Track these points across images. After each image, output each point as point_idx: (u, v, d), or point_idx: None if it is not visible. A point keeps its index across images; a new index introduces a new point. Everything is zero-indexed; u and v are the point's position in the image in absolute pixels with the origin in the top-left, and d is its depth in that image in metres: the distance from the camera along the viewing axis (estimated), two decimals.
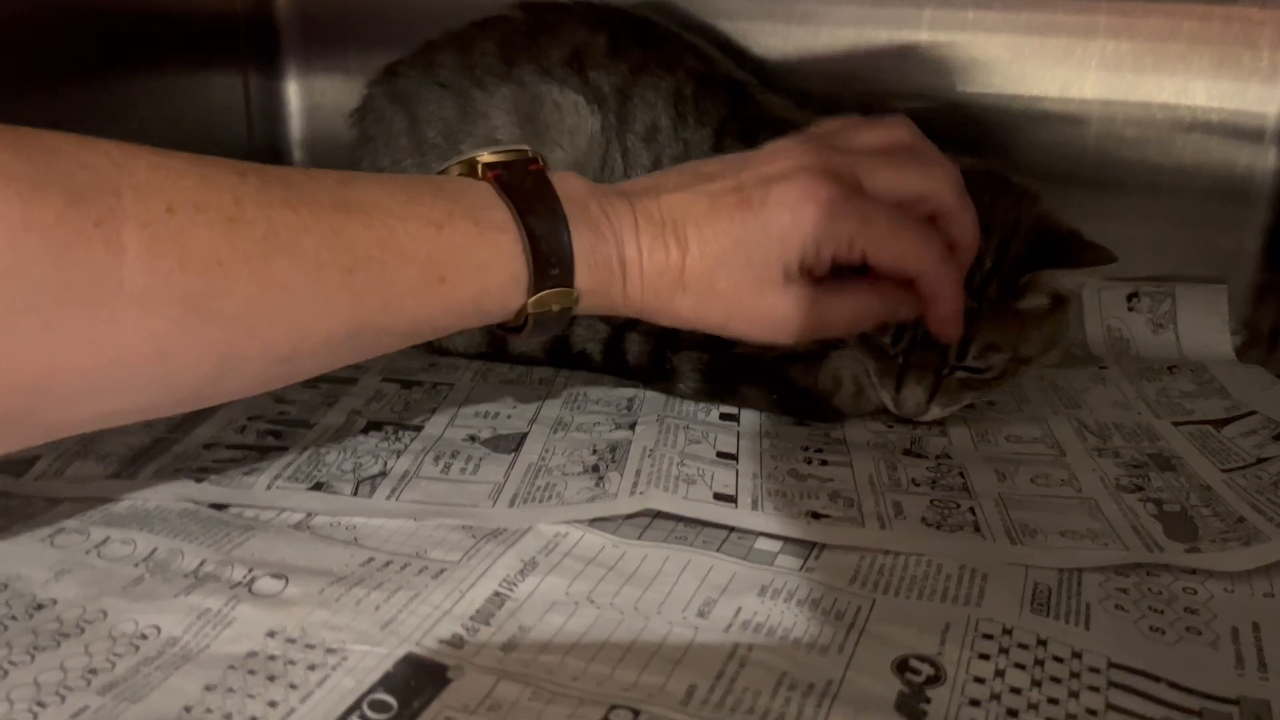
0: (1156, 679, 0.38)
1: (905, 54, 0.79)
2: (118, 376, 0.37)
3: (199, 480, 0.53)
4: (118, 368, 0.37)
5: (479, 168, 0.47)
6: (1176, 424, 0.63)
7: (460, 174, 0.47)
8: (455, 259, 0.43)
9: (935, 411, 0.60)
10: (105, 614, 0.42)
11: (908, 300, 0.52)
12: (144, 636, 0.40)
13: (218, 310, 0.38)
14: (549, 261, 0.45)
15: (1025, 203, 0.61)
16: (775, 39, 0.81)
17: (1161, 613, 0.43)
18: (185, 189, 0.38)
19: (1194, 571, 0.46)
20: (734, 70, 0.73)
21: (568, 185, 0.47)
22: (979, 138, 0.78)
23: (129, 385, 0.38)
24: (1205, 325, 0.75)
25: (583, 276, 0.46)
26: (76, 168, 0.36)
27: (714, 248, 0.47)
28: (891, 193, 0.50)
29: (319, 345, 0.42)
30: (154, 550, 0.46)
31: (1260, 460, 0.56)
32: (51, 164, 0.35)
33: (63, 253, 0.35)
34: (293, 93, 0.96)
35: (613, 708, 0.36)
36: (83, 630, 0.41)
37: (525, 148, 0.47)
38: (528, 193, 0.45)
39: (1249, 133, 0.75)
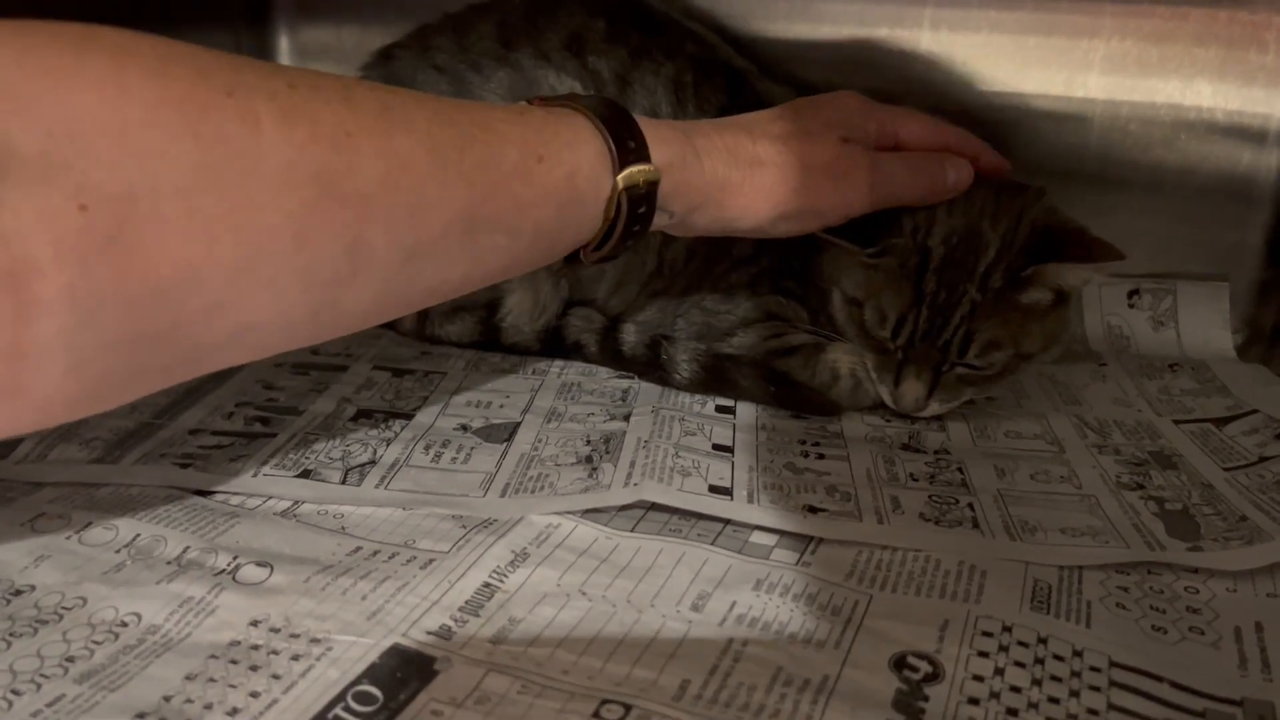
0: (1159, 679, 0.38)
1: (907, 50, 0.78)
2: (258, 270, 0.36)
3: (184, 466, 0.52)
4: (258, 258, 0.36)
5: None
6: (1177, 422, 0.62)
7: None
8: (545, 138, 0.44)
9: (934, 407, 0.60)
10: (85, 601, 0.41)
11: (948, 161, 0.58)
12: (124, 624, 0.40)
13: (348, 190, 0.37)
14: (624, 135, 0.46)
15: (1032, 196, 0.60)
16: (776, 30, 0.80)
17: (1163, 612, 0.42)
18: (297, 73, 0.37)
19: (1196, 570, 0.45)
20: (734, 58, 0.72)
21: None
22: (982, 134, 0.77)
23: (269, 281, 0.37)
24: (1206, 323, 0.74)
25: (658, 151, 0.47)
26: (194, 51, 0.35)
27: (776, 129, 0.53)
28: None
29: (438, 234, 0.41)
30: (136, 536, 0.45)
31: (1263, 459, 0.56)
32: (171, 48, 0.34)
33: (201, 126, 0.34)
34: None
35: (604, 702, 0.36)
36: (61, 617, 0.40)
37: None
38: (585, 99, 0.48)
39: (1252, 133, 0.74)
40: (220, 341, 0.38)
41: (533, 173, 0.43)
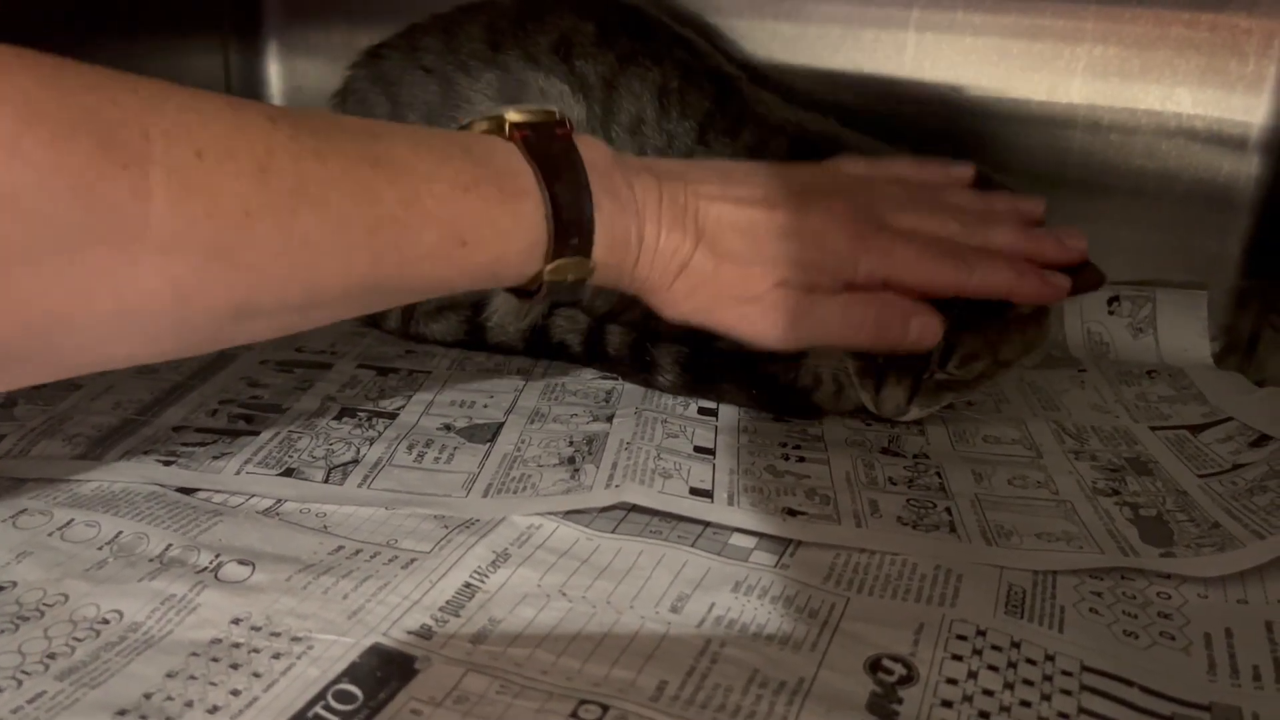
0: (1129, 683, 0.38)
1: (893, 54, 0.78)
2: (135, 321, 0.37)
3: (167, 463, 0.52)
4: (136, 312, 0.36)
5: (506, 126, 0.46)
6: (1154, 428, 0.63)
7: (486, 130, 0.47)
8: (477, 224, 0.43)
9: (915, 412, 0.60)
10: (66, 597, 0.41)
11: (912, 311, 0.52)
12: (105, 621, 0.40)
13: (239, 260, 0.37)
14: (570, 231, 0.45)
15: None
16: (763, 34, 0.80)
17: (1135, 617, 0.43)
18: (216, 134, 0.37)
19: (1168, 576, 0.46)
20: (723, 64, 0.72)
21: (593, 152, 0.47)
22: (965, 138, 0.78)
23: (144, 330, 0.37)
24: (1185, 331, 0.75)
25: (601, 250, 0.46)
26: (107, 105, 0.35)
27: (728, 245, 0.49)
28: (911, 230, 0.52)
29: (334, 299, 0.41)
30: (119, 533, 0.45)
31: (1236, 466, 0.56)
32: (81, 104, 0.34)
33: (90, 195, 0.34)
34: (274, 73, 0.95)
35: (582, 702, 0.36)
36: (42, 614, 0.40)
37: (553, 109, 0.47)
38: (554, 158, 0.45)
39: (1233, 140, 0.75)
40: (91, 362, 0.39)
41: (451, 255, 0.43)
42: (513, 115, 0.46)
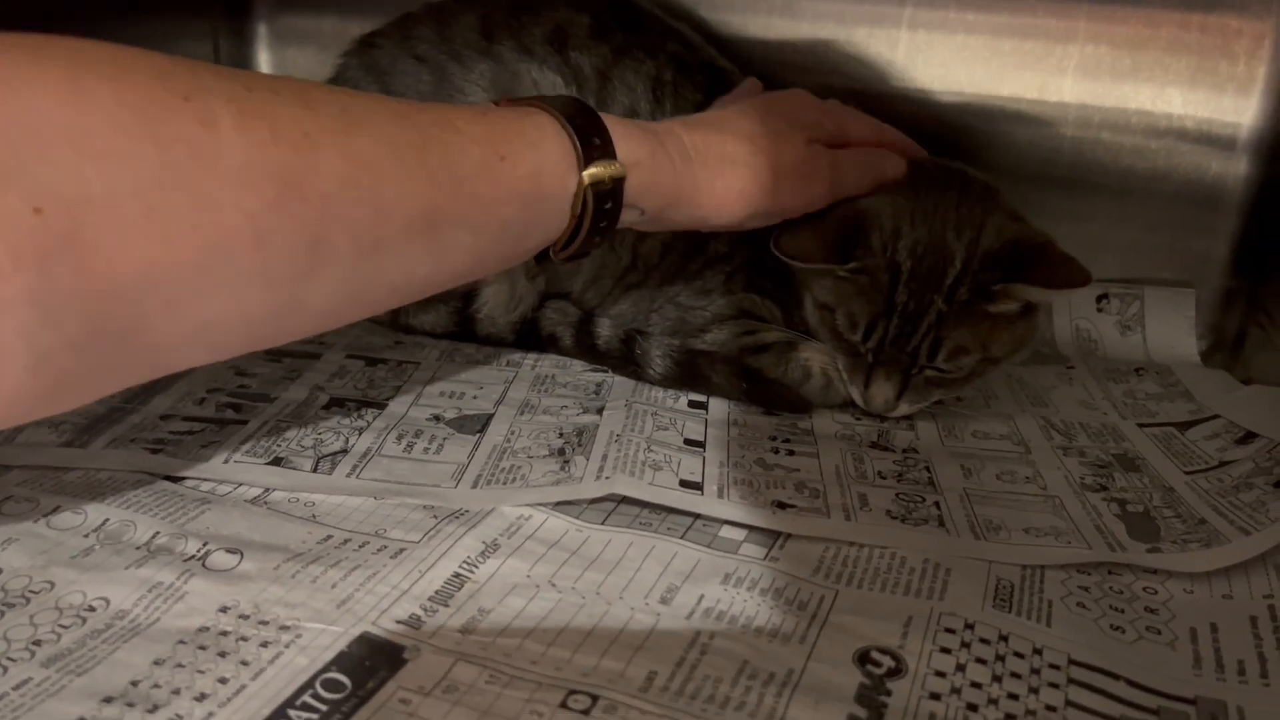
0: (1115, 677, 0.39)
1: (885, 50, 0.78)
2: (218, 268, 0.36)
3: (155, 451, 0.52)
4: (218, 256, 0.36)
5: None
6: (1141, 425, 0.63)
7: None
8: (508, 136, 0.45)
9: (903, 408, 0.60)
10: (52, 585, 0.41)
11: (887, 158, 0.62)
12: (92, 608, 0.39)
13: (309, 188, 0.37)
14: (589, 133, 0.47)
15: (988, 199, 0.61)
16: (756, 28, 0.80)
17: (1122, 611, 0.43)
18: (251, 75, 0.38)
19: (1155, 572, 0.46)
20: (716, 58, 0.72)
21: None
22: (956, 135, 0.78)
23: (229, 280, 0.37)
24: (1172, 329, 0.75)
25: (625, 149, 0.48)
26: (148, 55, 0.35)
27: (746, 127, 0.54)
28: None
29: (400, 232, 0.41)
30: (105, 521, 0.45)
31: (1223, 464, 0.57)
32: (126, 53, 0.35)
33: (159, 128, 0.34)
34: (263, 62, 0.94)
35: (571, 693, 0.36)
36: (28, 600, 0.40)
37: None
38: (547, 97, 0.49)
39: (1222, 141, 0.75)
40: (180, 340, 0.38)
41: (496, 171, 0.44)
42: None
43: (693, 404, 0.63)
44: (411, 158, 0.41)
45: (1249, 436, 0.59)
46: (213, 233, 0.35)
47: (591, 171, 0.46)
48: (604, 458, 0.53)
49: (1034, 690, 0.38)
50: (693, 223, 0.54)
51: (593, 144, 0.47)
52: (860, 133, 0.63)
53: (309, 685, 0.36)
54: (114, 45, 0.35)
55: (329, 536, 0.46)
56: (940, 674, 0.38)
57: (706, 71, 0.69)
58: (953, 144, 0.75)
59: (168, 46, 0.87)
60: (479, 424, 0.58)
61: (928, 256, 0.57)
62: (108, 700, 0.34)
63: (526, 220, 0.46)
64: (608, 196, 0.48)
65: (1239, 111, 0.74)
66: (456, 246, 0.44)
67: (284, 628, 0.39)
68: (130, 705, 0.34)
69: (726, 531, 0.48)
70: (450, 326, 0.71)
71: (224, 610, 0.40)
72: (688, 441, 0.57)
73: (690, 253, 0.67)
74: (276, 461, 0.52)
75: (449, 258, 0.45)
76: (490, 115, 0.45)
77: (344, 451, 0.54)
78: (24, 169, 0.31)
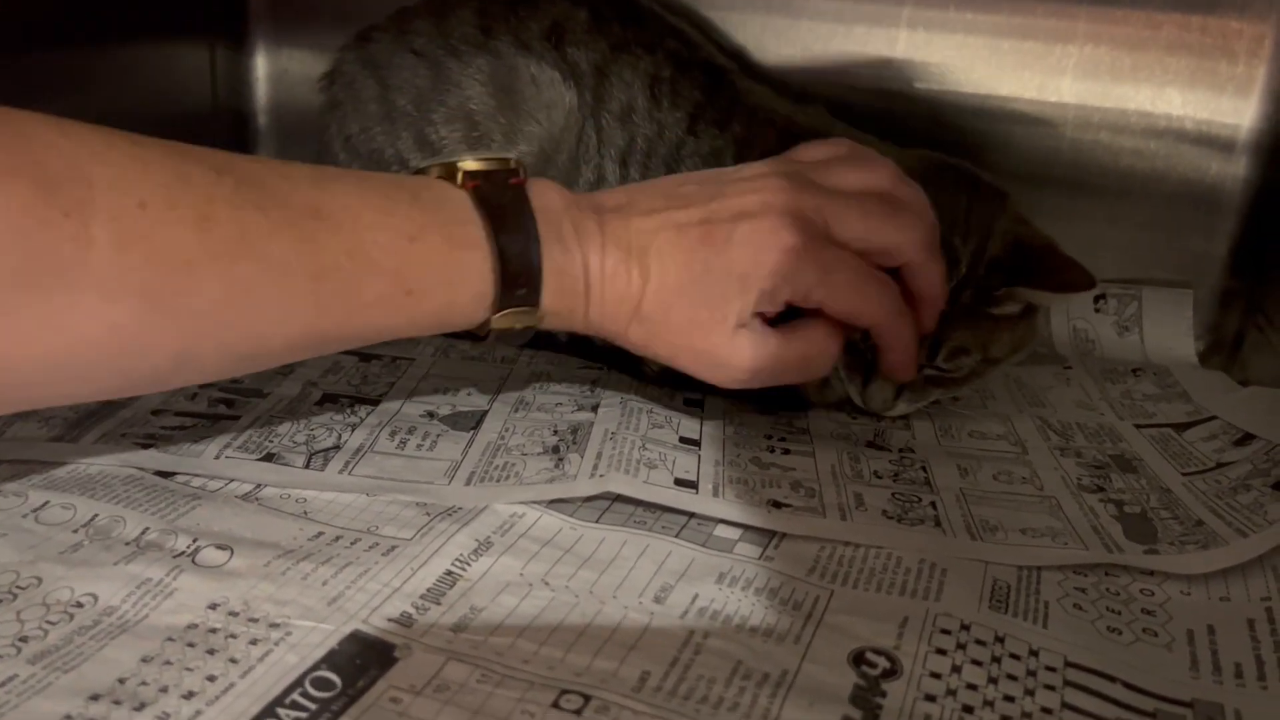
0: (1112, 679, 0.38)
1: (884, 49, 0.78)
2: (74, 364, 0.37)
3: (145, 446, 0.52)
4: (75, 356, 0.37)
5: (460, 175, 0.46)
6: (1139, 426, 0.63)
7: (439, 176, 0.46)
8: (423, 273, 0.43)
9: (901, 407, 0.60)
10: (40, 580, 0.40)
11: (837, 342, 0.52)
12: (80, 605, 0.39)
13: (180, 308, 0.38)
14: (517, 282, 0.45)
15: (997, 203, 0.60)
16: (754, 25, 0.80)
17: (1119, 613, 0.43)
18: (159, 184, 0.37)
19: (1152, 573, 0.46)
20: (715, 55, 0.72)
21: (545, 199, 0.46)
22: (955, 134, 0.78)
23: (84, 374, 0.38)
24: (1170, 329, 0.75)
25: (548, 298, 0.46)
26: (48, 154, 0.35)
27: (673, 281, 0.47)
28: (859, 242, 0.49)
29: (278, 348, 0.42)
30: (94, 516, 0.45)
31: (1220, 465, 0.56)
32: (22, 150, 0.35)
33: (28, 240, 0.34)
34: (260, 57, 0.94)
35: (563, 692, 0.36)
36: (15, 596, 0.39)
37: (510, 156, 0.47)
38: (504, 209, 0.45)
39: (1221, 142, 0.75)
40: (29, 401, 0.40)
41: (398, 303, 0.43)
42: (467, 164, 0.46)
43: (688, 402, 0.62)
44: (300, 287, 0.40)
45: (1247, 438, 0.59)
46: (72, 338, 0.36)
47: (501, 316, 0.46)
48: (599, 455, 0.53)
49: (1030, 692, 0.37)
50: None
51: (514, 295, 0.45)
52: (842, 311, 0.50)
53: (298, 683, 0.35)
54: (16, 131, 0.35)
55: (320, 533, 0.45)
56: (936, 675, 0.38)
57: (705, 69, 0.69)
58: (951, 143, 0.74)
59: (162, 43, 0.87)
60: (473, 421, 0.58)
61: None
62: (94, 698, 0.34)
63: (421, 334, 0.47)
64: (514, 335, 0.47)
65: (1238, 113, 0.74)
66: (340, 348, 0.46)
67: (274, 625, 0.38)
68: (117, 703, 0.34)
69: (721, 530, 0.48)
70: None
71: (213, 607, 0.39)
72: (683, 440, 0.57)
73: None
74: (268, 457, 0.52)
75: (332, 351, 0.46)
76: (418, 246, 0.43)
77: (336, 448, 0.53)
78: None
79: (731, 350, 0.48)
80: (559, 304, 0.47)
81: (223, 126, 0.92)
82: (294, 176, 0.42)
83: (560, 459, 0.53)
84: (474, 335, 0.48)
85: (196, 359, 0.40)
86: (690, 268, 0.47)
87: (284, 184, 0.41)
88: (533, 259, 0.45)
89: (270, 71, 0.94)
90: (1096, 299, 0.77)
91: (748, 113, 0.67)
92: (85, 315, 0.36)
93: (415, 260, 0.43)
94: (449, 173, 0.46)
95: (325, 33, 0.84)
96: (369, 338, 0.45)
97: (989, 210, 0.59)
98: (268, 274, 0.39)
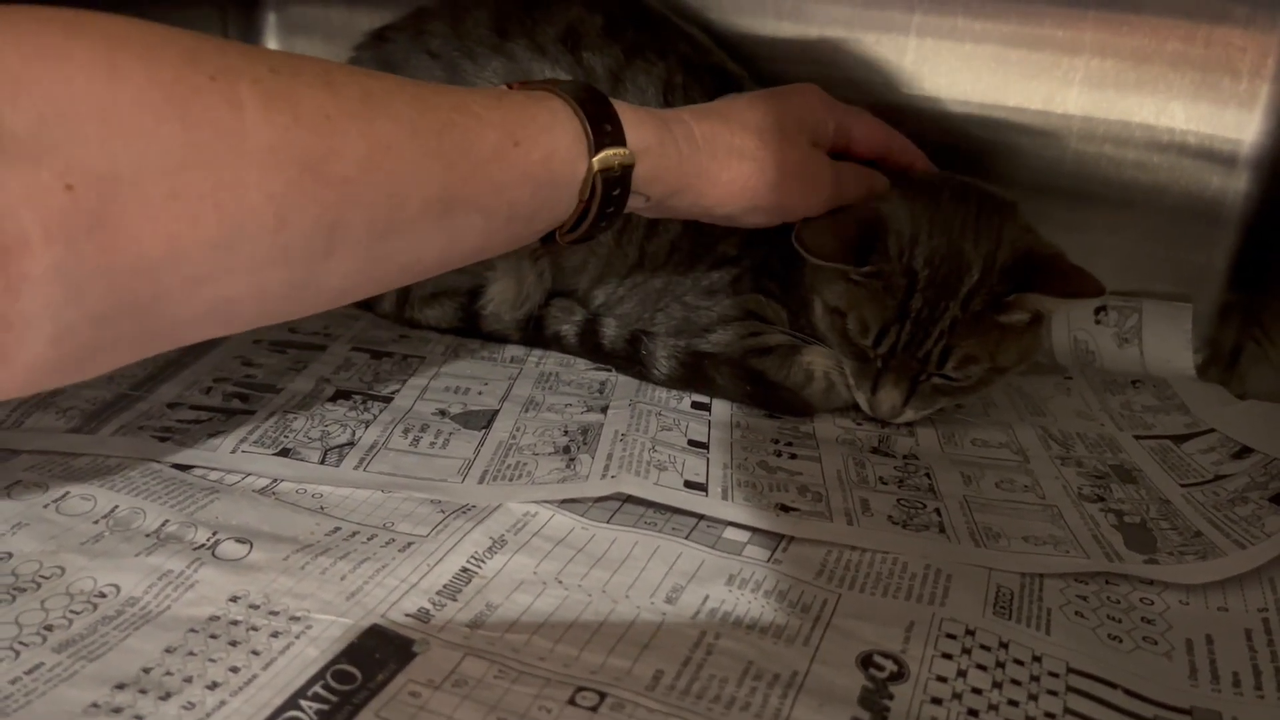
0: (1113, 686, 0.39)
1: (892, 58, 0.79)
2: (240, 248, 0.37)
3: (162, 439, 0.52)
4: (240, 237, 0.37)
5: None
6: (1138, 437, 0.64)
7: None
8: (522, 121, 0.45)
9: (908, 415, 0.61)
10: (63, 570, 0.41)
11: (876, 177, 0.63)
12: (102, 595, 0.40)
13: (330, 171, 0.38)
14: (601, 120, 0.48)
15: (1006, 213, 0.61)
16: (765, 33, 0.80)
17: (1119, 621, 0.44)
18: (278, 57, 0.38)
19: (1152, 583, 0.47)
20: (727, 62, 0.72)
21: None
22: (961, 143, 0.79)
23: (250, 259, 0.37)
24: (1169, 342, 0.76)
25: (634, 136, 0.49)
26: (176, 34, 0.35)
27: (754, 121, 0.55)
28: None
29: (416, 215, 0.42)
30: (115, 508, 0.45)
31: (1219, 477, 0.57)
32: (150, 30, 0.35)
33: (186, 109, 0.34)
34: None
35: (579, 689, 0.36)
36: (39, 585, 0.40)
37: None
38: (560, 81, 0.49)
39: (1223, 157, 0.75)
40: (198, 315, 0.39)
41: (509, 155, 0.45)
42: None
43: (696, 405, 0.63)
44: (429, 142, 0.42)
45: (1245, 451, 0.60)
46: (235, 213, 0.36)
47: (602, 157, 0.47)
48: (609, 456, 0.54)
49: (1033, 697, 0.38)
50: (696, 211, 0.55)
51: (604, 130, 0.47)
52: (865, 141, 0.63)
53: (320, 676, 0.36)
54: (144, 23, 0.35)
55: (337, 528, 0.46)
56: (942, 679, 0.39)
57: (717, 75, 0.69)
58: (957, 153, 0.75)
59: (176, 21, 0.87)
60: (484, 420, 0.58)
61: (944, 265, 0.57)
62: (120, 687, 0.35)
63: (536, 203, 0.47)
64: (616, 183, 0.49)
65: (1241, 128, 0.75)
66: (468, 229, 0.45)
67: (294, 618, 0.39)
68: (143, 692, 0.35)
69: (730, 533, 0.49)
70: (456, 322, 0.71)
71: (234, 600, 0.40)
72: (691, 442, 0.57)
73: (698, 252, 0.68)
74: (284, 452, 0.52)
75: (459, 239, 0.46)
76: (506, 100, 0.46)
77: (351, 444, 0.54)
78: (57, 146, 0.32)
79: (814, 162, 0.58)
80: (648, 139, 0.50)
81: None
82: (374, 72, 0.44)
83: (572, 459, 0.54)
84: (575, 225, 0.50)
85: (347, 228, 0.40)
86: (763, 110, 0.56)
87: (371, 72, 0.43)
88: (606, 104, 0.48)
89: None
90: (1097, 311, 0.78)
91: None
92: (247, 187, 0.36)
93: (511, 111, 0.45)
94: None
95: (339, 26, 0.85)
96: (493, 203, 0.45)
97: (998, 219, 0.60)
98: (399, 129, 0.40)
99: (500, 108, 0.45)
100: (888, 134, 0.65)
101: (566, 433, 0.57)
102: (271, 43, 0.94)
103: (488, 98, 0.45)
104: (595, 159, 0.47)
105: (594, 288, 0.71)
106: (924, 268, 0.57)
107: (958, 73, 0.78)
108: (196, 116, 0.35)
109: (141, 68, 0.34)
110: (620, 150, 0.48)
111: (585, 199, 0.48)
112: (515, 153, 0.45)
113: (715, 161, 0.53)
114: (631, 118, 0.49)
